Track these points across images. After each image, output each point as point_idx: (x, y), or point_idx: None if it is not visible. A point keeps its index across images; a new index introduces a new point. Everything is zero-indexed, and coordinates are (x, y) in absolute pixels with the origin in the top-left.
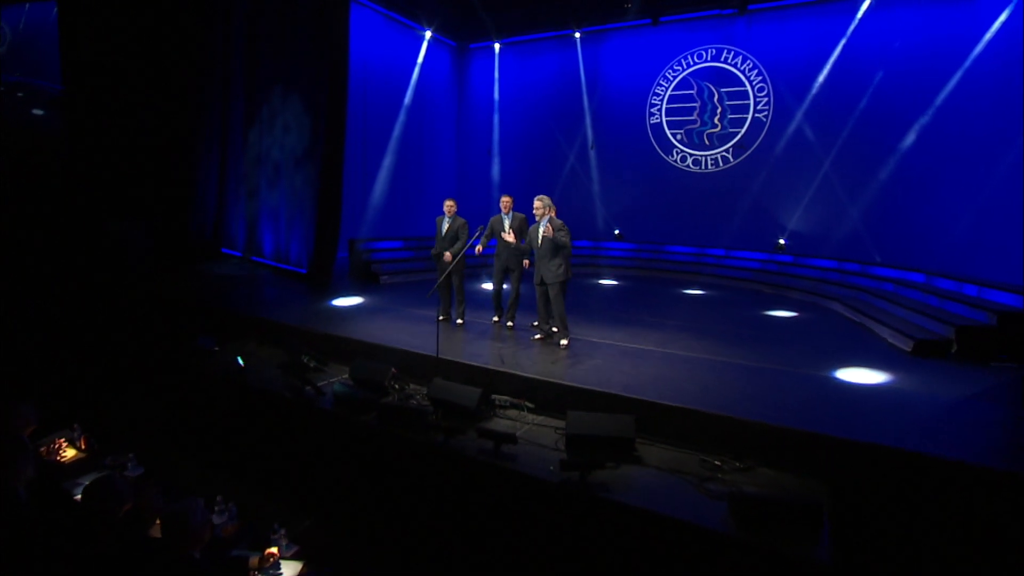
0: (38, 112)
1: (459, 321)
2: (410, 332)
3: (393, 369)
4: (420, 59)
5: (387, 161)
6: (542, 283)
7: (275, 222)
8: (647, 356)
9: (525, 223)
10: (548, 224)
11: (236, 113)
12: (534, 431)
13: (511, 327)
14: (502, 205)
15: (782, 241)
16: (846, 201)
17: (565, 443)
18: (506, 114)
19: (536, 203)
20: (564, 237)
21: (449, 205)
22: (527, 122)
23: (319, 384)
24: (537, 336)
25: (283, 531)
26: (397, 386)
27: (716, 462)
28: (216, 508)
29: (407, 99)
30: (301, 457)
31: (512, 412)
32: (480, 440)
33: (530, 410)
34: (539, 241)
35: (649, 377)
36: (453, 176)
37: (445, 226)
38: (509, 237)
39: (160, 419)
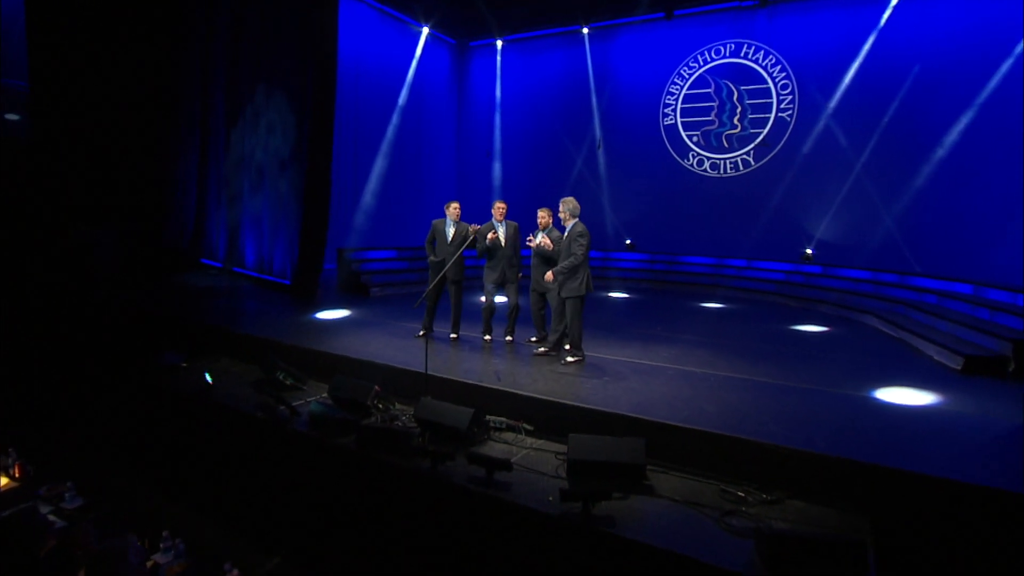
0: (12, 117)
1: (453, 335)
2: (398, 347)
3: (376, 387)
4: (417, 57)
5: (380, 165)
6: (534, 290)
7: (258, 230)
8: (660, 373)
9: (518, 233)
10: (545, 236)
11: (217, 112)
12: (532, 456)
13: (510, 342)
14: (495, 211)
15: (809, 251)
16: (880, 206)
17: (566, 470)
18: (509, 115)
19: (540, 212)
20: (577, 248)
21: (454, 207)
22: (531, 124)
23: (294, 403)
24: (540, 350)
25: (235, 571)
26: (381, 406)
27: (739, 493)
28: (161, 545)
29: (403, 99)
30: (271, 485)
31: (508, 435)
32: (471, 466)
33: (528, 433)
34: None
35: (662, 396)
36: (452, 181)
37: (451, 231)
38: (535, 242)
39: (111, 442)
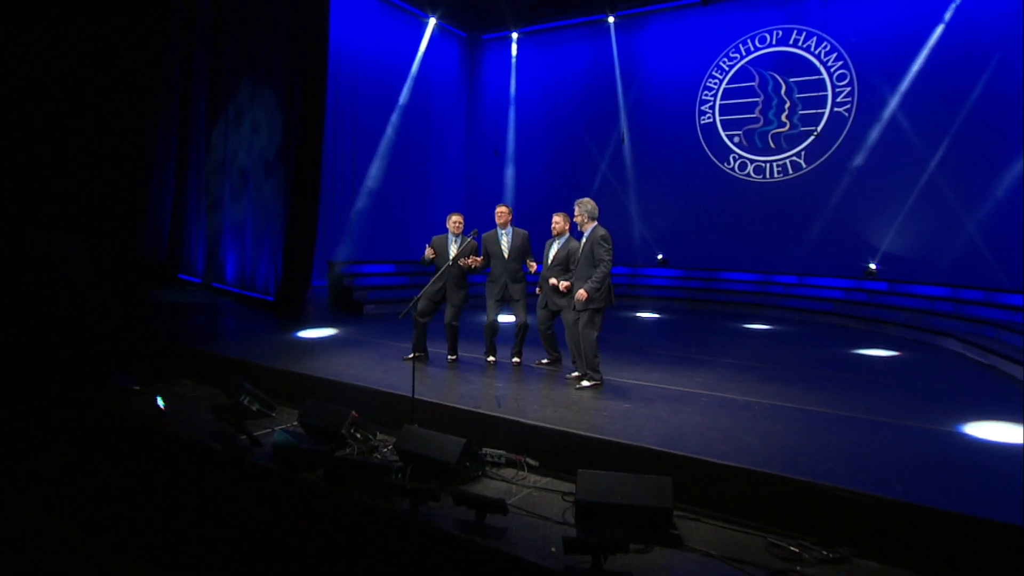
0: None
1: (451, 358)
2: (386, 368)
3: (354, 413)
4: (422, 49)
5: (380, 168)
6: (546, 306)
7: (240, 240)
8: (692, 400)
9: (527, 243)
10: (561, 247)
11: (198, 110)
12: (534, 498)
13: (517, 364)
14: (498, 217)
15: (872, 265)
16: (959, 212)
17: (575, 514)
18: (525, 115)
19: (555, 218)
20: (603, 253)
21: (455, 221)
22: (550, 124)
23: (258, 432)
24: (544, 360)
25: None
26: (359, 435)
27: (792, 548)
28: None
29: (407, 97)
30: (224, 527)
31: (508, 471)
32: (458, 508)
33: (532, 469)
34: (549, 260)
35: (694, 426)
36: (461, 186)
37: (453, 248)
38: (535, 266)
39: (33, 476)
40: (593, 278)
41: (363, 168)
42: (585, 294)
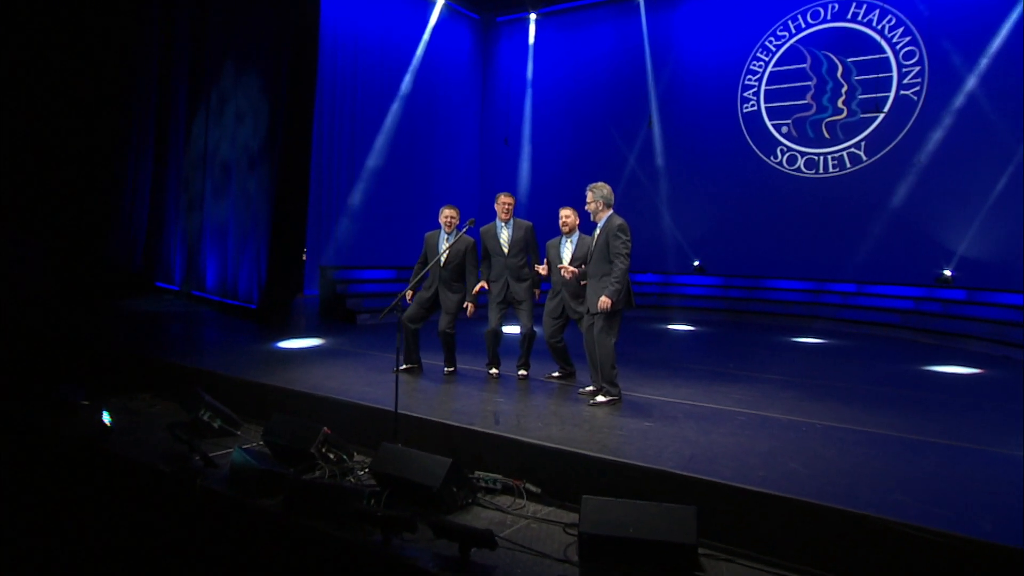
0: None
1: (448, 370)
2: (372, 381)
3: (325, 429)
4: (429, 29)
5: (380, 162)
6: (561, 315)
7: (222, 244)
8: (727, 419)
9: (532, 235)
10: (578, 246)
11: (178, 99)
12: (532, 530)
13: (523, 377)
14: (499, 207)
15: (947, 272)
16: None
17: (578, 550)
18: (544, 104)
19: (563, 212)
20: (620, 246)
21: (448, 216)
22: (571, 114)
23: (216, 453)
24: (555, 374)
25: None
26: (332, 455)
27: None
28: None
29: (411, 84)
30: (165, 562)
31: (503, 499)
32: (438, 541)
33: (532, 497)
34: (561, 261)
35: (727, 448)
36: (474, 181)
37: (444, 247)
38: (551, 270)
39: None
40: (612, 277)
41: (362, 162)
42: (609, 301)
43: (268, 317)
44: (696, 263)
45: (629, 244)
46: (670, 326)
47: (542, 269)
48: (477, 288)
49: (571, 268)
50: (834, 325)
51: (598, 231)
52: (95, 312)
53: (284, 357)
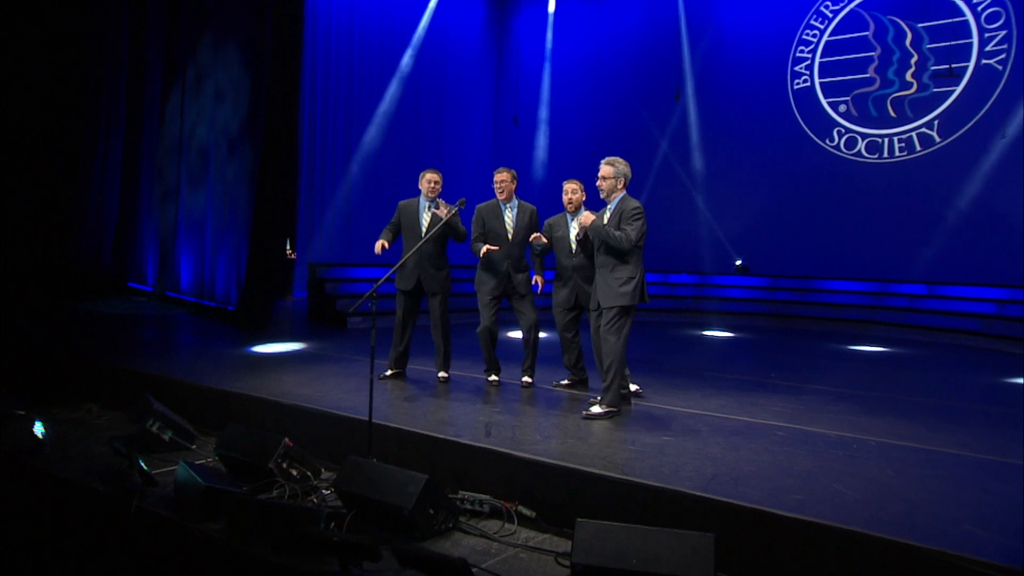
0: None
1: (442, 375)
2: (351, 388)
3: (287, 441)
4: (433, 4)
5: (380, 145)
6: (575, 307)
7: (198, 239)
8: (761, 434)
9: (536, 220)
10: (580, 220)
11: (152, 77)
12: (520, 560)
13: (528, 384)
14: (498, 186)
15: None
16: None
17: None
18: (564, 82)
19: (568, 187)
20: (631, 231)
21: (430, 180)
22: (597, 93)
23: (161, 471)
24: (564, 381)
25: None
26: (294, 471)
27: None
28: None
29: (415, 61)
30: None
31: (491, 523)
32: (406, 573)
33: (525, 521)
34: (572, 247)
35: (759, 467)
36: (487, 165)
37: (426, 217)
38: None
39: None
40: (614, 232)
41: (359, 146)
42: (591, 217)
43: (247, 320)
44: (738, 262)
45: (644, 230)
46: (706, 332)
47: (539, 236)
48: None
49: (589, 215)
50: (899, 332)
51: (609, 213)
52: (53, 315)
53: (256, 362)
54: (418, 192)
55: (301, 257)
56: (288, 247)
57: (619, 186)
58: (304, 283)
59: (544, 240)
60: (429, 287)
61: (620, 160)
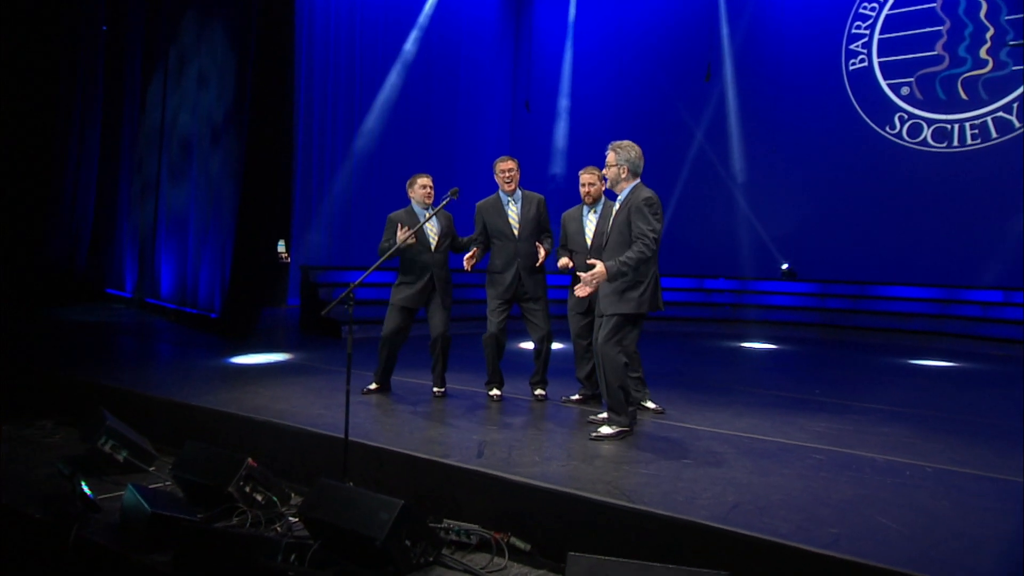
0: None
1: (437, 390)
2: (330, 403)
3: (250, 461)
4: None
5: (385, 136)
6: (590, 311)
7: (181, 239)
8: (796, 457)
9: (544, 210)
10: (596, 216)
11: (132, 64)
12: None
13: (541, 398)
14: (500, 176)
15: None
16: None
17: None
18: (588, 64)
19: (585, 177)
20: (645, 226)
21: (423, 185)
22: (623, 77)
23: (109, 495)
24: (574, 397)
25: None
26: (259, 495)
27: None
28: None
29: (422, 44)
30: None
31: (478, 556)
32: None
33: (517, 555)
34: (588, 244)
35: (789, 496)
36: (505, 153)
37: (430, 228)
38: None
39: None
40: (629, 252)
41: (361, 134)
42: (604, 271)
43: (231, 328)
44: (784, 266)
45: (659, 225)
46: (745, 344)
47: (566, 261)
48: (473, 253)
49: (600, 271)
50: (969, 344)
51: (618, 206)
52: (19, 324)
53: (234, 374)
54: (436, 192)
55: (295, 260)
56: (282, 249)
57: (623, 175)
58: (297, 291)
59: (571, 264)
60: (442, 300)
61: (626, 144)
